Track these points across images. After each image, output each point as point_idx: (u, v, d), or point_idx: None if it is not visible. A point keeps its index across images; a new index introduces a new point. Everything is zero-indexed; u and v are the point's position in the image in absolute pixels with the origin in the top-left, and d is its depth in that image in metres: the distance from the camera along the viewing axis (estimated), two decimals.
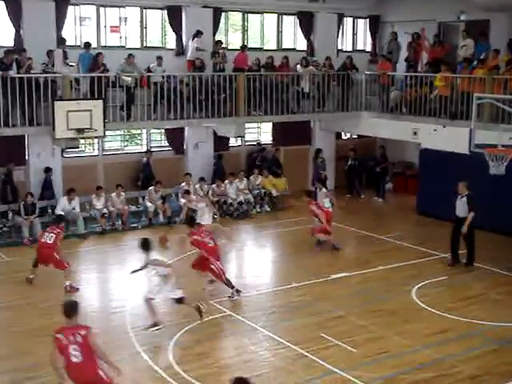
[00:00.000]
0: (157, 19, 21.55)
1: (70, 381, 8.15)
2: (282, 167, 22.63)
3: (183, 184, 19.73)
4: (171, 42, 21.51)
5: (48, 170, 18.68)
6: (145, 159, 20.51)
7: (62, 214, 16.93)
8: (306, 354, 10.73)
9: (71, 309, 8.36)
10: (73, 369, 8.03)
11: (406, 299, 13.37)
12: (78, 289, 13.74)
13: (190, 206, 17.81)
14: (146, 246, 11.72)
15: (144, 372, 10.20)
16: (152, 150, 21.15)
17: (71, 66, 18.23)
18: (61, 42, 18.74)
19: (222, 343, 11.32)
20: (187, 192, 18.41)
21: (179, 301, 11.71)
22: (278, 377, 10.13)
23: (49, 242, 13.92)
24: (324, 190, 18.25)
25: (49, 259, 13.83)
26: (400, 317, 12.46)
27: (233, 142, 22.73)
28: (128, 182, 20.03)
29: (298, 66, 21.80)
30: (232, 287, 13.28)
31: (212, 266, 13.17)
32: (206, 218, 16.32)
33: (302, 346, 10.99)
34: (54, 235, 14.01)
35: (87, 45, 18.84)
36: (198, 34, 20.53)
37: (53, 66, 17.75)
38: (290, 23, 24.13)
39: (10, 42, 18.52)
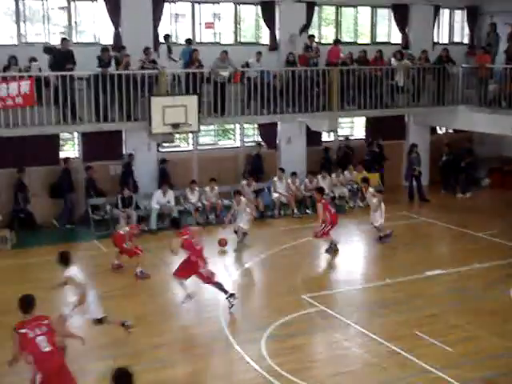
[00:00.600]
0: (251, 15, 21.70)
1: (41, 373, 8.02)
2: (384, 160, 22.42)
3: (275, 178, 19.81)
4: (265, 37, 21.60)
5: (163, 162, 19.53)
6: (254, 152, 20.78)
7: (177, 217, 16.83)
8: (400, 351, 10.54)
9: (28, 304, 8.24)
10: (44, 359, 8.00)
11: (504, 298, 12.93)
12: (149, 275, 14.22)
13: (236, 208, 16.95)
14: (64, 260, 10.30)
15: (237, 364, 10.30)
16: (260, 143, 21.38)
17: (175, 61, 18.63)
18: (165, 38, 19.17)
19: (314, 338, 11.27)
20: (238, 192, 17.32)
21: (99, 321, 10.64)
22: (371, 373, 10.02)
23: (122, 232, 14.76)
24: (371, 189, 17.52)
25: (119, 247, 14.66)
26: (499, 316, 12.06)
27: (325, 136, 22.65)
28: (221, 176, 20.25)
29: (393, 59, 21.45)
30: (225, 292, 12.45)
31: (201, 271, 12.39)
32: (244, 220, 16.43)
33: (395, 343, 10.81)
34: (129, 229, 14.96)
35: (189, 41, 19.26)
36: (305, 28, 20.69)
37: (150, 62, 18.15)
38: (384, 16, 23.80)
39: (109, 39, 19.09)
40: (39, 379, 8.00)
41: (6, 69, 16.94)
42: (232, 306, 12.32)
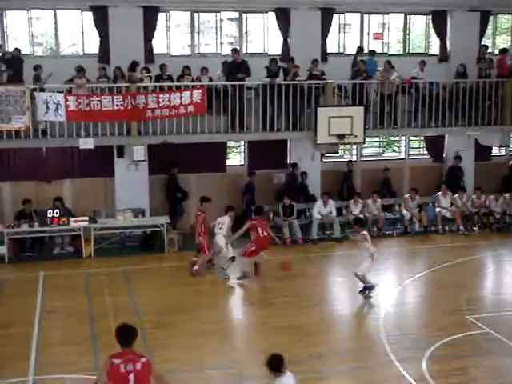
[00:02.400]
0: (420, 24, 21.24)
1: None
2: None
3: (439, 193, 19.20)
4: (434, 47, 21.05)
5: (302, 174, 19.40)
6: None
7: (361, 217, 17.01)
8: None
9: (127, 335, 7.44)
10: None
11: None
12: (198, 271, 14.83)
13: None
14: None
15: (396, 381, 10.03)
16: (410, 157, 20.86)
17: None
18: (358, 50, 19.44)
19: (479, 361, 10.71)
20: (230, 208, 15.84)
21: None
22: None
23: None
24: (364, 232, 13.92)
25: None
26: None
27: (495, 151, 21.68)
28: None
29: None
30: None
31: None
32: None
33: None
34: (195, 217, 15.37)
35: (372, 53, 19.40)
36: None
37: (316, 72, 18.28)
38: None
39: (277, 50, 19.43)
40: None
41: (179, 78, 17.70)
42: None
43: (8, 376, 9.98)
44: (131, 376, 7.19)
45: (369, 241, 13.49)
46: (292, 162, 19.46)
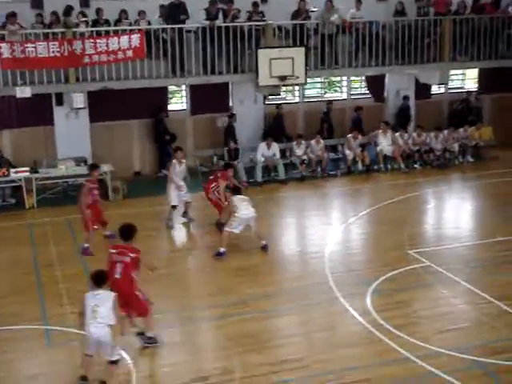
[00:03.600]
0: None
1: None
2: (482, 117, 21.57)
3: (380, 131, 19.41)
4: None
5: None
6: (325, 108, 20.31)
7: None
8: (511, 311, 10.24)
9: (125, 232, 9.05)
10: (113, 283, 8.61)
11: None
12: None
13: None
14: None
15: (341, 317, 10.29)
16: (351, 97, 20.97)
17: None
18: None
19: (421, 293, 11.05)
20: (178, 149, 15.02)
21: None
22: (480, 332, 9.74)
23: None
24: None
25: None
26: None
27: (435, 89, 21.96)
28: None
29: (511, 7, 20.37)
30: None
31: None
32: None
33: (506, 302, 10.46)
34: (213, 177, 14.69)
35: None
36: None
37: (258, 13, 18.07)
38: None
39: None
40: None
41: (116, 23, 17.29)
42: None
43: None
44: (119, 265, 8.76)
45: (238, 207, 12.72)
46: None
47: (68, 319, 10.06)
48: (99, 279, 8.22)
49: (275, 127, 19.59)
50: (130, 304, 8.88)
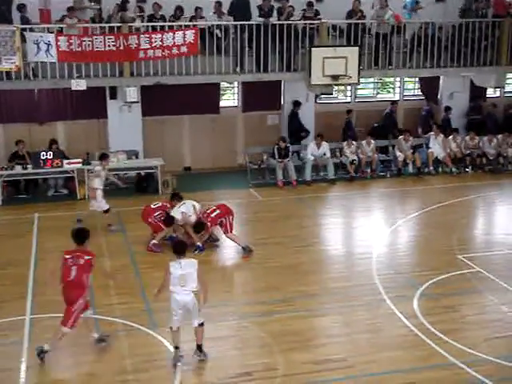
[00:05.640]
0: None
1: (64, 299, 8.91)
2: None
3: (432, 133, 19.17)
4: None
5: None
6: (388, 109, 20.17)
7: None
8: None
9: (78, 236, 9.07)
10: (66, 286, 8.84)
11: None
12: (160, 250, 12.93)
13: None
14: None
15: (387, 319, 10.20)
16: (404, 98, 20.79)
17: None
18: None
19: (469, 299, 10.88)
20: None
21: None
22: None
23: (152, 206, 13.56)
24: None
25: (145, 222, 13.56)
26: None
27: (490, 92, 21.58)
28: (379, 130, 19.93)
29: None
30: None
31: None
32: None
33: None
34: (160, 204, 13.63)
35: None
36: None
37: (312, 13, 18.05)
38: None
39: None
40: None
41: (172, 18, 17.45)
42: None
43: (6, 315, 10.11)
44: (73, 268, 8.77)
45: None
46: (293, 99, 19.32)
47: (116, 310, 10.22)
48: (180, 248, 8.77)
49: (389, 123, 19.78)
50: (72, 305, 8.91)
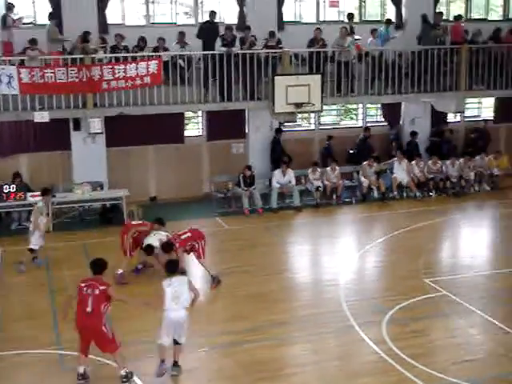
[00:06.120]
0: None
1: (78, 328, 8.92)
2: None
3: (395, 159, 19.39)
4: (390, 14, 21.10)
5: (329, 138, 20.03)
6: (361, 135, 20.36)
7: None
8: None
9: (96, 266, 9.19)
10: (82, 316, 8.82)
11: None
12: (125, 283, 12.77)
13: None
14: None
15: (356, 345, 10.20)
16: (367, 125, 21.03)
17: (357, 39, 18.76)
18: (349, 17, 19.49)
19: (436, 323, 10.94)
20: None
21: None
22: (497, 364, 9.62)
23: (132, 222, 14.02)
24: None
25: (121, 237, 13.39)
26: None
27: (451, 117, 21.95)
28: (343, 157, 20.09)
29: None
30: None
31: None
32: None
33: None
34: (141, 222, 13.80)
35: (388, 21, 19.65)
36: None
37: (274, 42, 18.23)
38: None
39: (233, 19, 19.26)
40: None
41: (135, 49, 17.47)
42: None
43: None
44: (90, 299, 8.80)
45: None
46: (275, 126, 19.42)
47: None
48: (172, 267, 9.28)
49: (363, 149, 19.88)
50: (97, 340, 8.93)
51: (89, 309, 8.80)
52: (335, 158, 19.67)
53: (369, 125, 21.22)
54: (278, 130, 19.35)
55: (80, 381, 9.03)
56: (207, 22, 17.91)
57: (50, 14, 17.29)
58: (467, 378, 8.98)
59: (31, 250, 13.69)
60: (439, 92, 19.34)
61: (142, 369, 9.30)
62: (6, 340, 10.34)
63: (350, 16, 19.51)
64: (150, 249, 12.73)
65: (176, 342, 9.16)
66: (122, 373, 8.94)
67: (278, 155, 19.21)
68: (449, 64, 19.26)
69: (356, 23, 19.44)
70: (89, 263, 9.30)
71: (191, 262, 13.01)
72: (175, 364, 9.21)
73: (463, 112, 21.18)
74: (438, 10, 20.65)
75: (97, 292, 8.85)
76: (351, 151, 20.33)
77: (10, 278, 13.26)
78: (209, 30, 17.67)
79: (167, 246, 12.44)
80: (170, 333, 9.05)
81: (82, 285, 8.97)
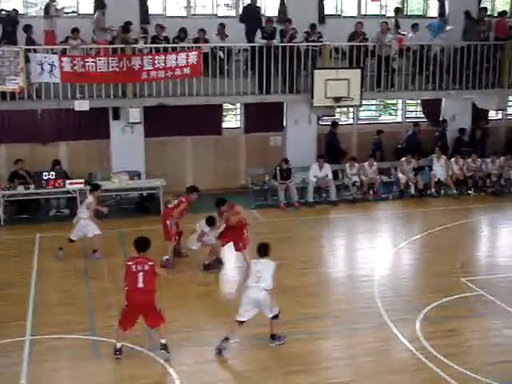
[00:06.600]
0: None
1: (130, 304, 9.22)
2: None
3: (434, 155, 19.16)
4: (433, 9, 20.84)
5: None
6: (410, 131, 20.20)
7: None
8: None
9: (141, 244, 9.43)
10: (134, 292, 9.13)
11: None
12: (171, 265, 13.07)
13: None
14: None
15: (390, 342, 10.13)
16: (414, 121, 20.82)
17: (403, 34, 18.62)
18: (396, 10, 19.27)
19: (472, 323, 10.80)
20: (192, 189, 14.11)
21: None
22: None
23: (169, 206, 13.79)
24: None
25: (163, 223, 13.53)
26: None
27: (492, 114, 21.62)
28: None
29: None
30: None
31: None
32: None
33: None
34: (177, 202, 13.62)
35: (397, 10, 19.33)
36: None
37: (314, 34, 18.14)
38: None
39: (274, 11, 19.21)
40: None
41: (175, 40, 17.54)
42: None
43: (6, 336, 10.04)
44: (140, 274, 9.10)
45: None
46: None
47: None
48: (263, 250, 9.61)
49: (412, 144, 19.86)
50: (147, 315, 9.27)
51: (140, 285, 9.09)
52: (384, 152, 19.60)
53: (408, 121, 21.02)
54: (334, 124, 19.28)
55: (117, 355, 9.26)
56: (249, 4, 18.03)
57: (96, 2, 17.42)
58: (502, 380, 8.85)
59: (70, 241, 13.84)
60: (481, 89, 19.05)
61: (177, 358, 9.37)
62: (42, 324, 10.51)
63: (397, 10, 19.29)
64: (211, 219, 13.09)
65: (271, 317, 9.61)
66: (163, 341, 9.36)
67: (334, 148, 19.16)
68: (492, 60, 18.95)
69: (400, 17, 19.19)
70: (134, 241, 9.49)
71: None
72: (272, 337, 9.78)
73: (505, 110, 20.88)
74: (482, 6, 20.30)
75: (146, 268, 9.15)
76: (399, 146, 20.15)
77: (48, 263, 13.46)
78: (251, 13, 17.72)
79: (211, 219, 12.99)
80: (249, 310, 9.45)
81: (130, 263, 9.22)
